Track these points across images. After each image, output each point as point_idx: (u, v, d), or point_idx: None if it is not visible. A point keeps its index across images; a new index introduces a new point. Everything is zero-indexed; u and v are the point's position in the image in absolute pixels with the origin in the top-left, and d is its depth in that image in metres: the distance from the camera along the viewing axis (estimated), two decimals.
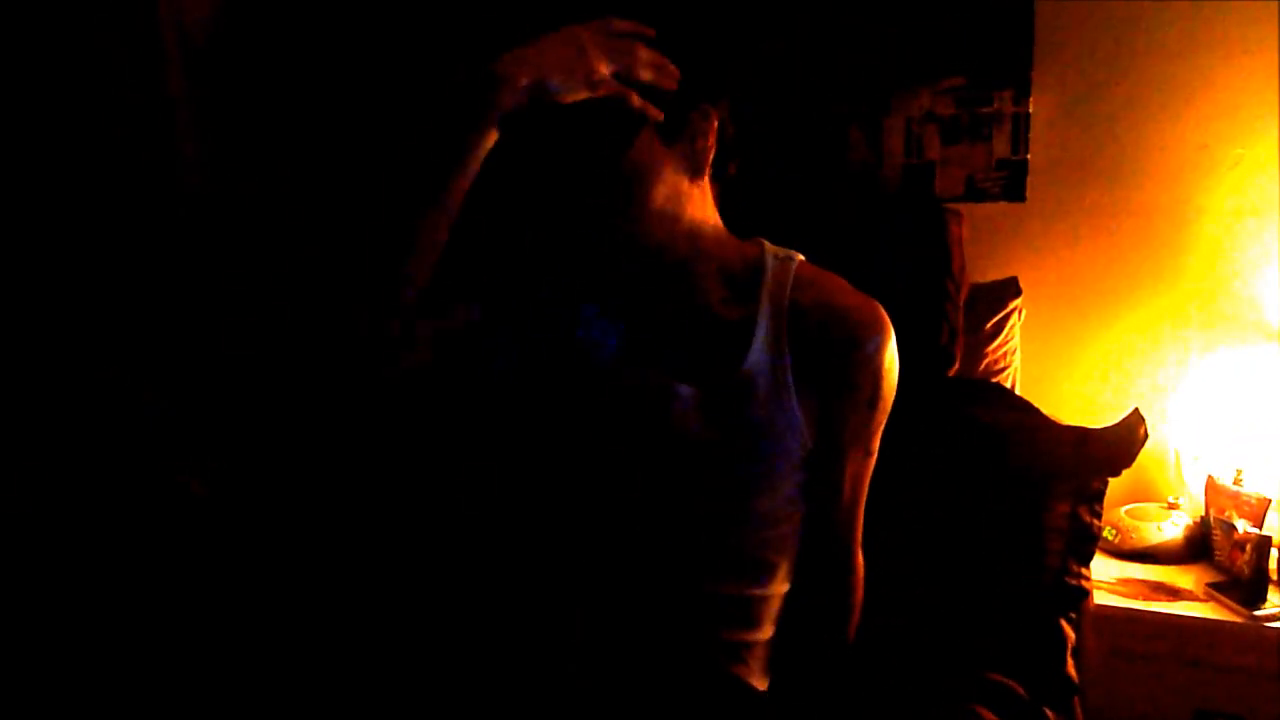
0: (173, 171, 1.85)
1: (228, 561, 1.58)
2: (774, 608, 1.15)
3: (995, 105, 2.04)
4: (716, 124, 1.05)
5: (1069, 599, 1.50)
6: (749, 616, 1.13)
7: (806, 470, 1.12)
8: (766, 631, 1.15)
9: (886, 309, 1.11)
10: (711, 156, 1.06)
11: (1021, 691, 1.32)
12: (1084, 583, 1.54)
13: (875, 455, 1.15)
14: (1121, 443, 1.58)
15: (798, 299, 1.09)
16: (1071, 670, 1.41)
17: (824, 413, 1.09)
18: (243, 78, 2.01)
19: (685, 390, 1.08)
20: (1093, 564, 1.61)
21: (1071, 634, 1.46)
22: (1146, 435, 1.58)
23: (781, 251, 1.14)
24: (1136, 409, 1.60)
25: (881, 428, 1.14)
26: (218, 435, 1.78)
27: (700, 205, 1.09)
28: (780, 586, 1.15)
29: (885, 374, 1.10)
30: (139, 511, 1.61)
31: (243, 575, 1.56)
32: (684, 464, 1.09)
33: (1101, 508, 1.60)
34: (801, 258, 1.14)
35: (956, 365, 1.88)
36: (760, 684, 1.17)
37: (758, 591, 1.13)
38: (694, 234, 1.08)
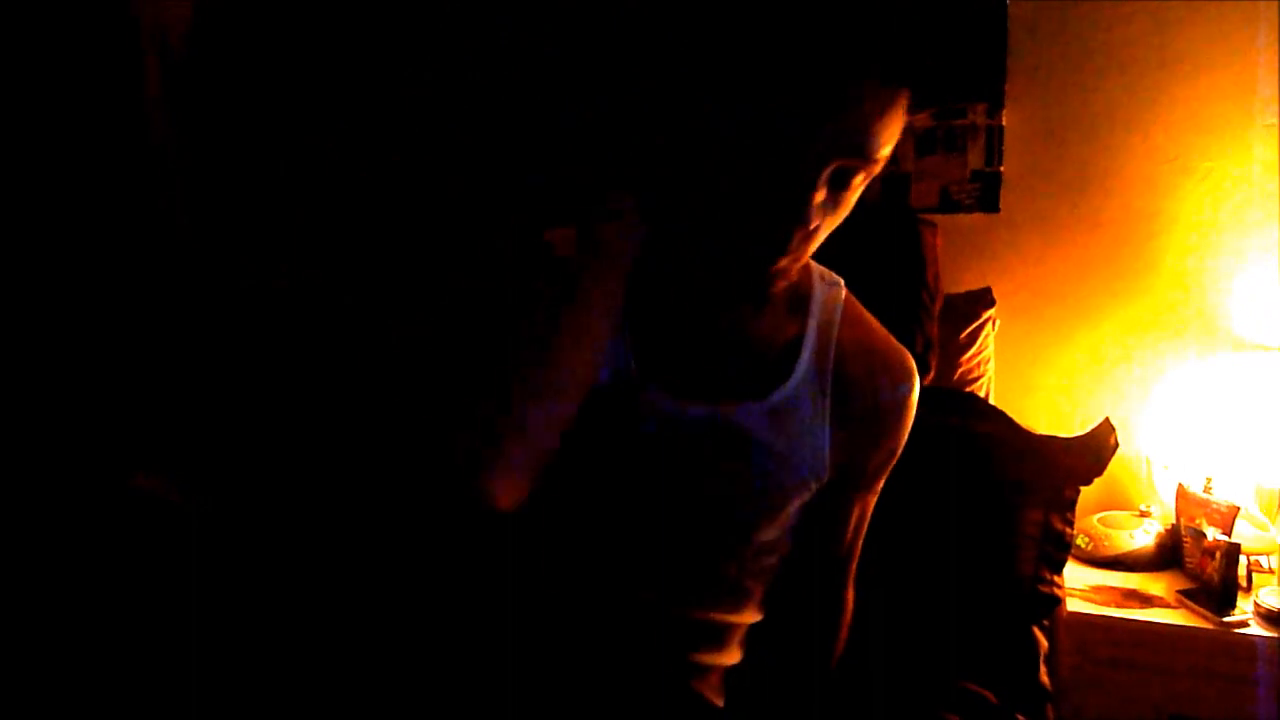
0: (151, 172, 1.85)
1: (202, 571, 1.56)
2: (743, 633, 1.12)
3: (969, 118, 2.07)
4: None
5: (1041, 607, 1.51)
6: (721, 641, 1.10)
7: (813, 503, 1.07)
8: (734, 656, 1.12)
9: None
10: None
11: (994, 699, 1.33)
12: (1057, 590, 1.56)
13: (878, 493, 1.13)
14: (1092, 452, 1.60)
15: (843, 337, 1.03)
16: (1044, 678, 1.42)
17: (851, 454, 1.04)
18: (222, 81, 2.01)
19: (698, 412, 0.99)
20: (1066, 571, 1.62)
21: (1044, 642, 1.47)
22: (1117, 444, 1.59)
23: (828, 274, 1.06)
24: (1107, 419, 1.62)
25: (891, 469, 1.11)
26: (199, 438, 1.77)
27: None
28: (754, 615, 1.11)
29: (909, 422, 1.08)
30: (110, 517, 1.60)
31: (219, 584, 1.54)
32: (688, 489, 1.01)
33: (1074, 516, 1.61)
34: (842, 282, 1.07)
35: (932, 374, 1.90)
36: (716, 701, 1.14)
37: (734, 618, 1.09)
38: None
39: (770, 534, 1.06)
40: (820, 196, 0.86)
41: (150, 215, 1.88)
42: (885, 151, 0.87)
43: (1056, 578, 1.57)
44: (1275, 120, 1.93)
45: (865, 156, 0.86)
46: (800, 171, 0.85)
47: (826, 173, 0.86)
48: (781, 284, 0.93)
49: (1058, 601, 1.55)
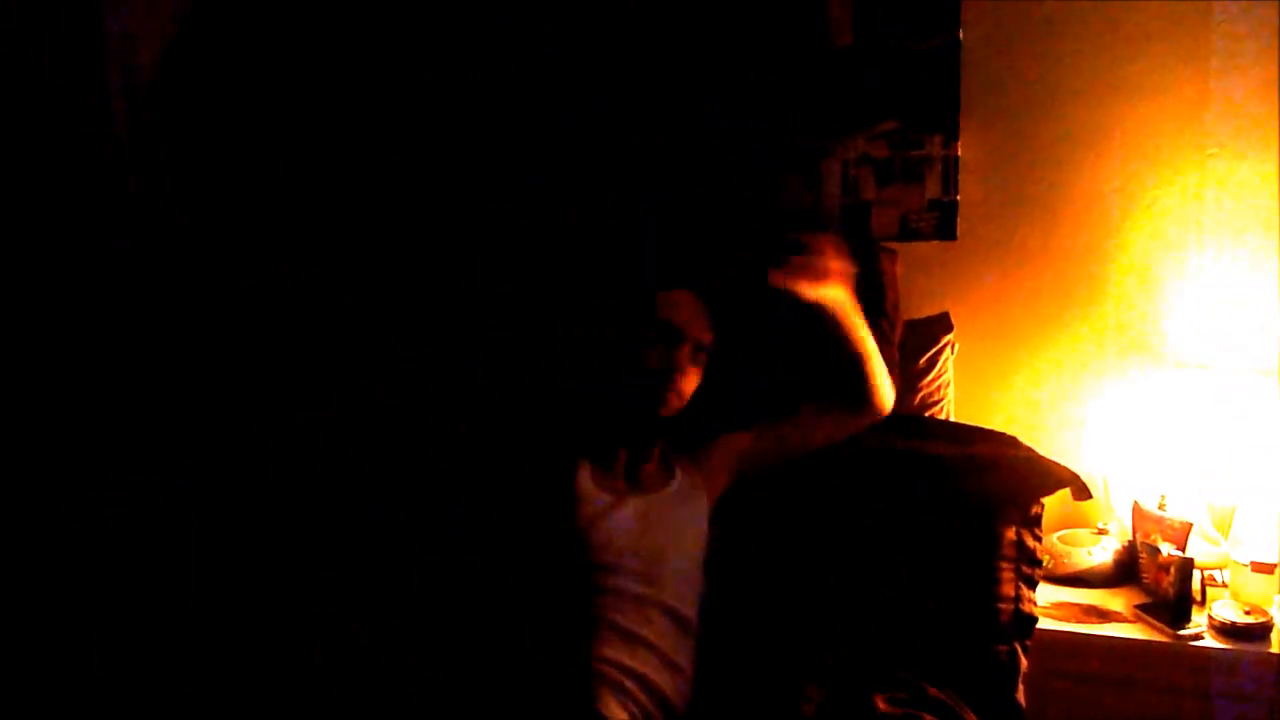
0: (117, 201, 1.84)
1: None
2: None
3: (926, 149, 2.12)
4: None
5: (1025, 626, 1.54)
6: None
7: None
8: None
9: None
10: None
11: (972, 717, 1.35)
12: (1034, 609, 1.58)
13: None
14: (1054, 471, 1.63)
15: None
16: (1020, 697, 1.44)
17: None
18: (191, 113, 2.00)
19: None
20: None
21: (1025, 661, 1.49)
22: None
23: None
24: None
25: None
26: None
27: None
28: None
29: None
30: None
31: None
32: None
33: (1041, 532, 1.64)
34: None
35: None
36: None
37: None
38: None
39: None
40: None
41: (117, 237, 1.87)
42: None
43: (1032, 595, 1.59)
44: (1216, 149, 2.00)
45: None
46: None
47: None
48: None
49: (1035, 620, 1.57)
